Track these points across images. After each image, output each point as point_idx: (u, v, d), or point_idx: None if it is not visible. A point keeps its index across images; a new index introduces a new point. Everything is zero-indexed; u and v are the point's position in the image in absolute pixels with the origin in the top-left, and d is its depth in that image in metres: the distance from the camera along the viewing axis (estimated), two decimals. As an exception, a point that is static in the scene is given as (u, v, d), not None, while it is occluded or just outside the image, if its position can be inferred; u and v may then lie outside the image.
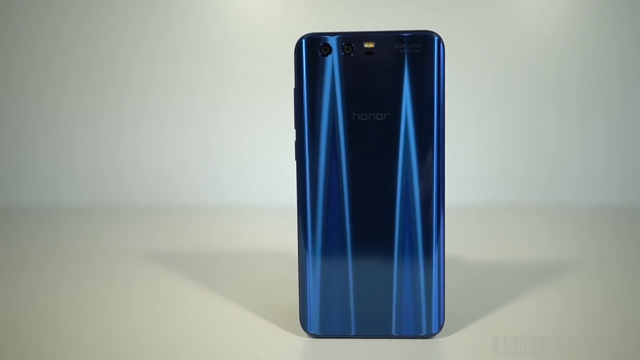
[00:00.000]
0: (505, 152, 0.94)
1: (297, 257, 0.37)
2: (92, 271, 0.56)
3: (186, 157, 0.97)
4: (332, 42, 0.35)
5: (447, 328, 0.38)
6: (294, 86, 0.36)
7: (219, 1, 0.96)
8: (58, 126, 0.99)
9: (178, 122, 0.97)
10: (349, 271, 0.37)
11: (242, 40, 0.96)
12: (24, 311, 0.44)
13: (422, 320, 0.37)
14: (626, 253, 0.62)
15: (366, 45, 0.35)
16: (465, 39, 0.92)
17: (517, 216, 0.83)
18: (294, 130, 0.36)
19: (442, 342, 0.37)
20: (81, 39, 0.97)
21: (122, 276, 0.54)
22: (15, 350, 0.37)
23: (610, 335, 0.38)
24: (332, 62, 0.35)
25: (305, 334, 0.38)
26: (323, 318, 0.37)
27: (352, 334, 0.37)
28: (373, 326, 0.37)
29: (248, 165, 0.96)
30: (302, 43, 0.35)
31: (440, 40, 0.35)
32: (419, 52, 0.35)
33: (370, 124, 0.35)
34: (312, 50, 0.35)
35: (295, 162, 0.36)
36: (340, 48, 0.35)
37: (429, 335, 0.37)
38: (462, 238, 0.64)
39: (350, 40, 0.35)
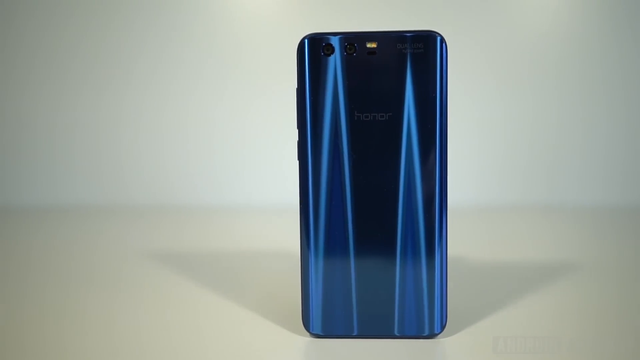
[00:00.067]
0: (507, 152, 0.94)
1: (300, 257, 0.37)
2: (91, 271, 0.56)
3: (186, 157, 0.97)
4: (335, 42, 0.35)
5: (450, 328, 0.38)
6: (296, 86, 0.36)
7: (220, 1, 0.96)
8: (57, 126, 0.98)
9: (178, 122, 0.97)
10: (352, 271, 0.37)
11: (243, 41, 0.96)
12: (24, 311, 0.44)
13: (425, 320, 0.37)
14: (628, 253, 0.62)
15: (369, 45, 0.35)
16: (467, 38, 0.92)
17: (519, 216, 0.83)
18: (296, 130, 0.36)
19: (445, 342, 0.37)
20: (80, 39, 0.97)
21: (123, 276, 0.54)
22: (15, 350, 0.37)
23: (611, 336, 0.38)
24: (334, 62, 0.35)
25: (308, 334, 0.38)
26: (325, 318, 0.37)
27: (354, 334, 0.37)
28: (375, 326, 0.37)
29: (248, 165, 0.96)
30: (304, 43, 0.35)
31: (442, 40, 0.35)
32: (421, 52, 0.35)
33: (372, 124, 0.35)
34: (314, 50, 0.35)
35: (297, 162, 0.36)
36: (343, 48, 0.35)
37: (432, 336, 0.37)
38: (464, 238, 0.64)
39: (352, 40, 0.35)
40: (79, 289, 0.50)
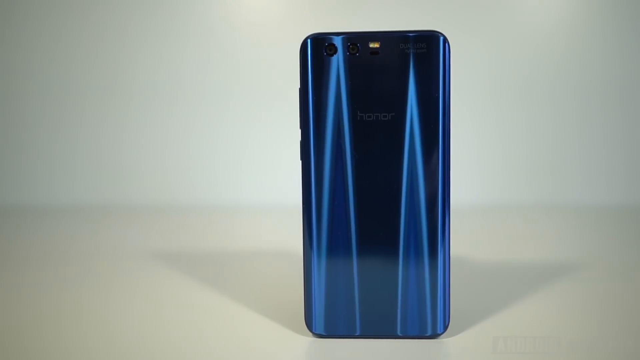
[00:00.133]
0: (509, 152, 0.94)
1: (302, 256, 0.37)
2: (91, 272, 0.56)
3: (185, 158, 0.97)
4: (338, 42, 0.35)
5: (453, 328, 0.38)
6: (299, 86, 0.36)
7: (223, 1, 0.96)
8: (58, 127, 0.99)
9: (178, 122, 0.97)
10: (354, 271, 0.37)
11: (245, 41, 0.96)
12: (24, 311, 0.44)
13: (428, 320, 0.37)
14: (630, 254, 0.61)
15: (371, 45, 0.35)
16: (471, 38, 0.92)
17: (521, 216, 0.83)
18: (298, 130, 0.36)
19: (448, 343, 0.37)
20: (82, 39, 0.97)
21: (124, 276, 0.54)
22: (16, 350, 0.37)
23: (611, 336, 0.38)
24: (337, 62, 0.35)
25: (310, 333, 0.38)
26: (328, 318, 0.37)
27: (357, 334, 0.37)
28: (378, 326, 0.37)
29: (249, 165, 0.96)
30: (307, 43, 0.35)
31: (445, 40, 0.35)
32: (424, 52, 0.35)
33: (375, 124, 0.35)
34: (317, 50, 0.35)
35: (300, 162, 0.36)
36: (346, 48, 0.35)
37: (434, 336, 0.37)
38: (466, 238, 0.64)
39: (355, 40, 0.35)
40: (78, 289, 0.50)
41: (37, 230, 0.78)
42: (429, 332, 0.37)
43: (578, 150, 0.94)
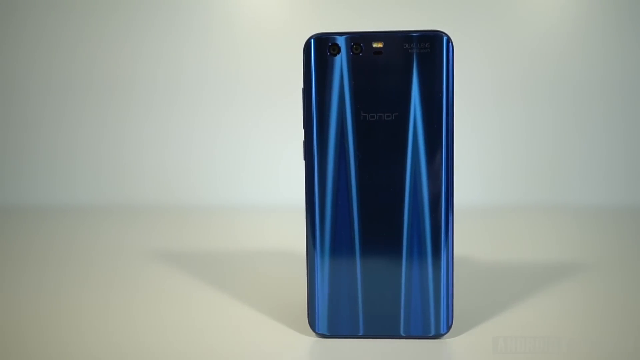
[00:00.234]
0: (511, 152, 0.94)
1: (305, 256, 0.37)
2: (92, 271, 0.56)
3: (187, 157, 0.97)
4: (341, 42, 0.35)
5: (456, 328, 0.38)
6: (302, 86, 0.36)
7: (225, 0, 0.96)
8: (59, 126, 0.99)
9: (179, 121, 0.97)
10: (358, 271, 0.37)
11: (248, 40, 0.96)
12: (25, 311, 0.44)
13: (431, 320, 0.37)
14: (630, 254, 0.61)
15: (375, 45, 0.35)
16: (470, 37, 0.92)
17: (523, 216, 0.83)
18: (300, 130, 0.36)
19: (451, 343, 0.37)
20: (83, 39, 0.97)
21: (125, 276, 0.54)
22: (17, 350, 0.37)
23: (611, 336, 0.38)
24: (340, 62, 0.35)
25: (314, 333, 0.38)
26: (331, 318, 0.37)
27: (360, 334, 0.37)
28: (381, 326, 0.37)
29: (250, 165, 0.96)
30: (310, 43, 0.35)
31: (449, 40, 0.35)
32: (427, 52, 0.35)
33: (378, 124, 0.35)
34: (320, 50, 0.35)
35: (303, 161, 0.36)
36: (349, 48, 0.35)
37: (438, 336, 0.37)
38: (467, 238, 0.64)
39: (359, 40, 0.35)
40: (79, 289, 0.50)
41: (38, 230, 0.78)
42: (432, 332, 0.37)
43: (580, 150, 0.94)
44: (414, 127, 0.35)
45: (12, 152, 1.00)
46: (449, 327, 0.37)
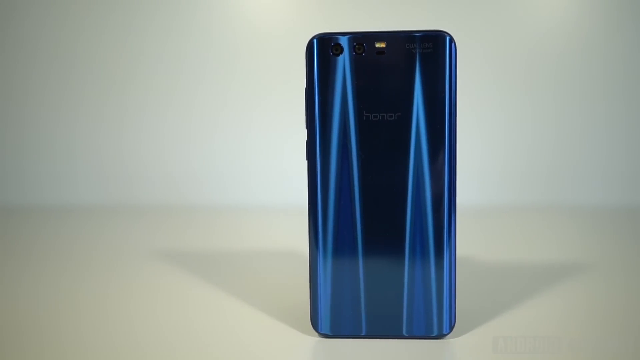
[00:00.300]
0: (512, 153, 0.94)
1: (308, 256, 0.37)
2: (96, 271, 0.56)
3: (191, 157, 0.97)
4: (344, 42, 0.35)
5: (459, 328, 0.38)
6: (305, 86, 0.36)
7: (228, 0, 0.97)
8: (60, 126, 0.99)
9: (184, 121, 0.97)
10: (360, 271, 0.37)
11: (251, 40, 0.96)
12: (30, 310, 0.44)
13: (433, 320, 0.37)
14: (630, 254, 0.61)
15: (377, 45, 0.35)
16: (467, 37, 0.92)
17: (521, 217, 0.83)
18: (304, 130, 0.36)
19: (453, 343, 0.37)
20: (83, 38, 0.98)
21: (130, 276, 0.54)
22: (20, 349, 0.37)
23: (612, 336, 0.38)
24: (343, 62, 0.35)
25: (316, 333, 0.38)
26: (334, 318, 0.37)
27: (362, 334, 0.37)
28: (384, 326, 0.37)
29: (254, 165, 0.96)
30: (313, 43, 0.35)
31: (452, 40, 0.35)
32: (430, 52, 0.35)
33: (381, 124, 0.35)
34: (323, 50, 0.35)
35: (305, 161, 0.36)
36: (352, 48, 0.35)
37: (440, 336, 0.37)
38: (466, 239, 0.64)
39: (361, 40, 0.35)
40: (84, 289, 0.50)
41: (42, 230, 0.78)
42: (435, 333, 0.37)
43: (580, 150, 0.93)
44: (417, 127, 0.35)
45: (15, 152, 1.00)
46: (451, 327, 0.37)
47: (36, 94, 0.99)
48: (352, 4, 0.94)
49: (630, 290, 0.48)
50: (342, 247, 0.36)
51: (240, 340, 0.38)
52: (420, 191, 0.36)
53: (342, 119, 0.36)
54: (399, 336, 0.37)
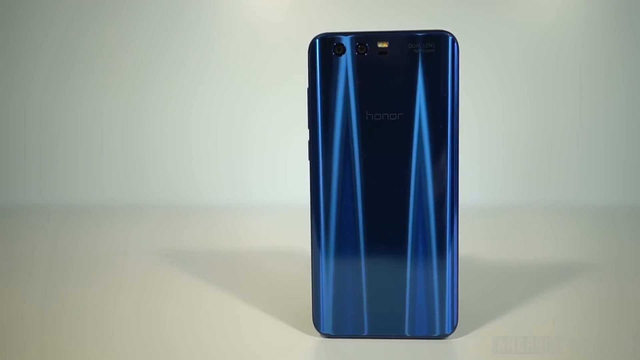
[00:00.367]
0: (513, 153, 0.94)
1: (310, 256, 0.37)
2: (96, 271, 0.56)
3: (191, 157, 0.97)
4: (346, 42, 0.35)
5: (461, 329, 0.38)
6: (307, 86, 0.36)
7: (230, 0, 0.96)
8: (62, 126, 0.99)
9: (183, 121, 0.97)
10: (362, 271, 0.37)
11: (252, 40, 0.96)
12: (29, 310, 0.44)
13: (436, 320, 0.37)
14: (631, 254, 0.61)
15: (380, 45, 0.35)
16: (468, 37, 0.92)
17: (522, 217, 0.83)
18: (303, 130, 0.36)
19: (456, 343, 0.37)
20: (85, 38, 0.98)
21: (129, 276, 0.54)
22: (20, 349, 0.37)
23: (612, 336, 0.38)
24: (345, 62, 0.35)
25: (318, 333, 0.38)
26: (336, 318, 0.37)
27: (365, 334, 0.37)
28: (386, 326, 0.37)
29: (254, 165, 0.96)
30: (315, 43, 0.35)
31: (454, 40, 0.35)
32: (433, 52, 0.35)
33: (384, 124, 0.35)
34: (326, 50, 0.35)
35: (308, 161, 0.36)
36: (354, 48, 0.35)
37: (443, 336, 0.37)
38: (467, 239, 0.64)
39: (364, 40, 0.35)
40: (83, 289, 0.50)
41: (41, 230, 0.78)
42: (437, 333, 0.37)
43: (581, 151, 0.93)
44: (419, 127, 0.35)
45: (14, 152, 1.00)
46: (453, 328, 0.37)
47: (36, 94, 0.99)
48: (354, 4, 0.94)
49: (631, 291, 0.48)
50: (345, 247, 0.36)
51: (242, 340, 0.38)
52: (422, 191, 0.36)
53: (345, 119, 0.36)
54: (401, 336, 0.37)
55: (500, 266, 0.56)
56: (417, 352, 0.35)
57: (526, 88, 0.94)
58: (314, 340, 0.37)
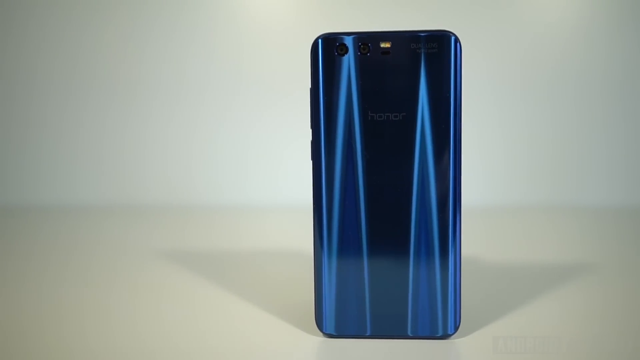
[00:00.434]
0: (515, 153, 0.94)
1: (313, 256, 0.37)
2: (96, 271, 0.56)
3: (192, 157, 0.97)
4: (349, 42, 0.35)
5: (464, 329, 0.38)
6: (309, 86, 0.36)
7: (230, 1, 0.96)
8: (62, 126, 0.99)
9: (182, 121, 0.97)
10: (365, 271, 0.37)
11: (254, 40, 0.96)
12: (28, 310, 0.44)
13: (438, 320, 0.37)
14: (632, 254, 0.61)
15: (382, 45, 0.35)
16: (471, 37, 0.92)
17: (524, 217, 0.83)
18: (304, 130, 0.36)
19: (459, 343, 0.37)
20: (86, 39, 0.97)
21: (129, 276, 0.54)
22: (20, 349, 0.37)
23: (611, 336, 0.38)
24: (348, 62, 0.35)
25: (321, 333, 0.38)
26: (338, 318, 0.37)
27: (367, 334, 0.37)
28: (389, 326, 0.37)
29: (257, 165, 0.96)
30: (318, 43, 0.35)
31: (457, 40, 0.35)
32: (435, 52, 0.35)
33: (386, 124, 0.35)
34: (328, 50, 0.35)
35: (311, 161, 0.36)
36: (357, 48, 0.35)
37: (445, 336, 0.37)
38: (469, 239, 0.64)
39: (366, 40, 0.35)
40: (82, 289, 0.50)
41: (40, 230, 0.78)
42: (440, 333, 0.37)
43: (582, 151, 0.93)
44: (422, 127, 0.35)
45: (14, 152, 1.00)
46: (456, 328, 0.37)
47: (37, 95, 0.99)
48: (356, 4, 0.94)
49: (631, 291, 0.48)
50: (347, 247, 0.36)
51: (244, 340, 0.38)
52: (425, 191, 0.36)
53: (347, 119, 0.36)
54: (404, 336, 0.37)
55: (503, 266, 0.56)
56: (420, 352, 0.35)
57: (528, 88, 0.94)
58: (317, 340, 0.37)
